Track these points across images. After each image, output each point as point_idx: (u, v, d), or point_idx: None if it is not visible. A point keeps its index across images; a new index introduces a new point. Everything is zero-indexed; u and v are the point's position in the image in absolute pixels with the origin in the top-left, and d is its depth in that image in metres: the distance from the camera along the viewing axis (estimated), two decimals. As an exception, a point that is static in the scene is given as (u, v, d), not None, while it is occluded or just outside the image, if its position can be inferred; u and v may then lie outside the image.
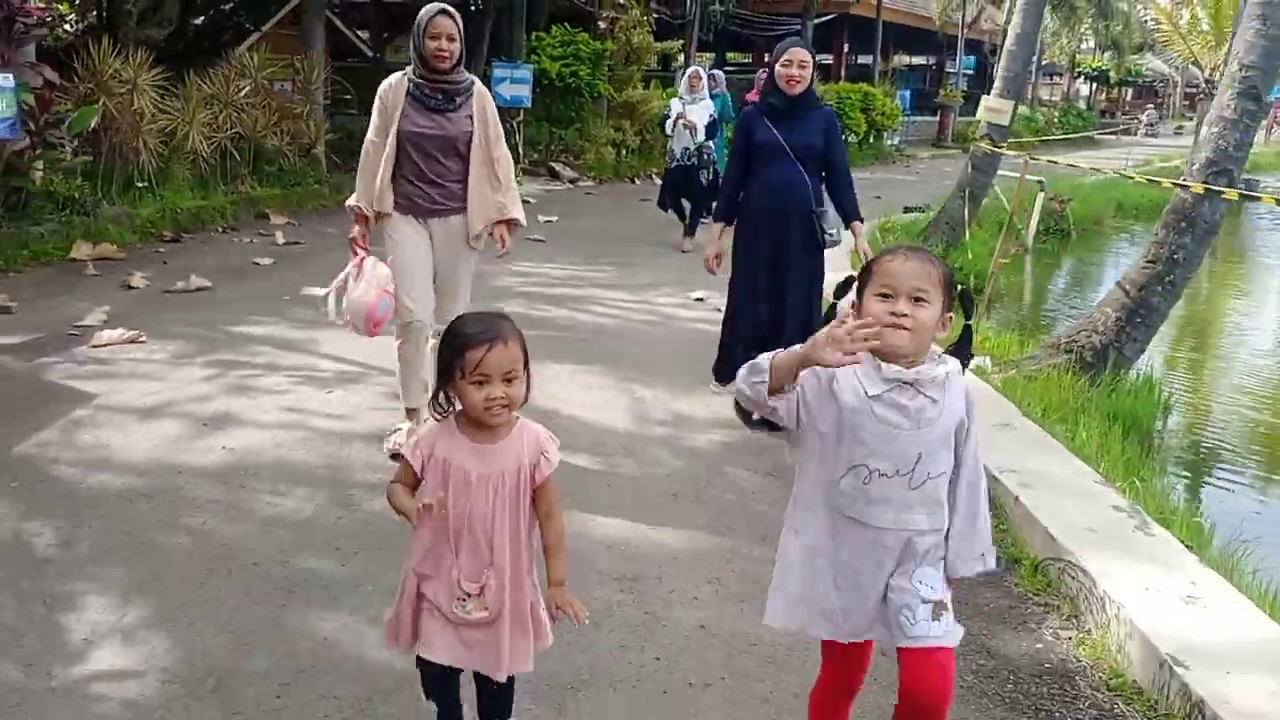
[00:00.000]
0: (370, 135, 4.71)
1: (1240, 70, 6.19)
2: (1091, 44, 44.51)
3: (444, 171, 4.68)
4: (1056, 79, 52.72)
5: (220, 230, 10.92)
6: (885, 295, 2.20)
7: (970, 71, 38.80)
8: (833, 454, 2.27)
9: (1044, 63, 41.62)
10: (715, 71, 11.80)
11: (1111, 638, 3.37)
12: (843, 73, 31.87)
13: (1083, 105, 50.98)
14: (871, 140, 26.86)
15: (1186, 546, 3.85)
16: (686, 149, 10.54)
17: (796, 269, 5.26)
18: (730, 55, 36.54)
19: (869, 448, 2.23)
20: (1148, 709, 3.10)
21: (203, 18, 19.67)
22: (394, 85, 4.67)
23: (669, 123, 10.70)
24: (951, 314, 2.28)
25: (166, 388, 5.60)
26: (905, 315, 2.17)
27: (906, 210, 15.05)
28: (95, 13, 16.10)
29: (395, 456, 4.47)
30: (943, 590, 2.30)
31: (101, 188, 9.97)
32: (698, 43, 24.40)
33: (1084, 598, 3.55)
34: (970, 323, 2.34)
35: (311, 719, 2.87)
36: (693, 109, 10.45)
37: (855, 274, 2.31)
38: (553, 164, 17.82)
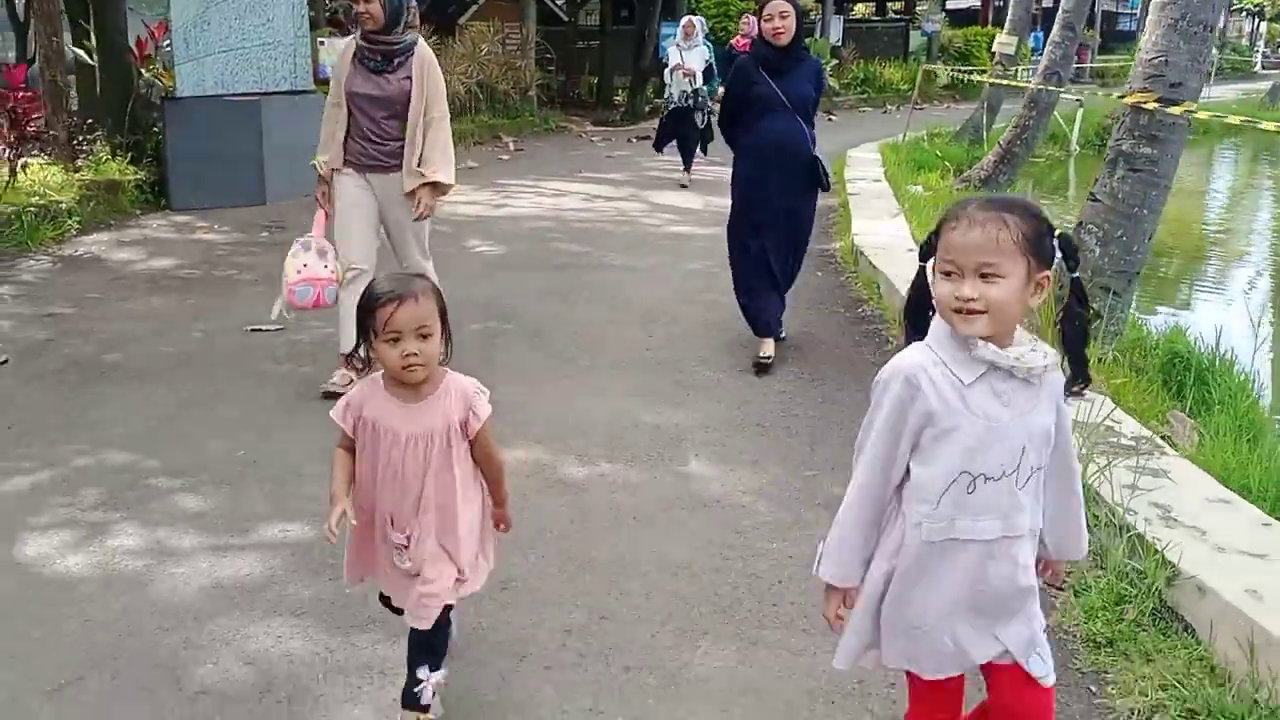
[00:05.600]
0: (329, 98, 5.00)
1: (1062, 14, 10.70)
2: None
3: (383, 131, 4.87)
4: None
5: (473, 144, 16.47)
6: (948, 273, 1.84)
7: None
8: (928, 473, 1.91)
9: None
10: (699, 18, 12.40)
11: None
12: (989, 16, 34.94)
13: (1245, 42, 52.17)
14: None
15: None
16: (684, 92, 11.17)
17: (796, 210, 5.39)
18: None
19: (967, 448, 1.87)
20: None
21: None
22: (343, 50, 4.97)
23: (666, 71, 11.55)
24: (1048, 273, 1.84)
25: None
26: (973, 299, 1.80)
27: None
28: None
29: (328, 395, 4.71)
30: (1042, 617, 2.02)
31: (403, 114, 15.65)
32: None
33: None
34: (1080, 289, 1.93)
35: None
36: (689, 55, 11.22)
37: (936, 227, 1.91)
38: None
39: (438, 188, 4.89)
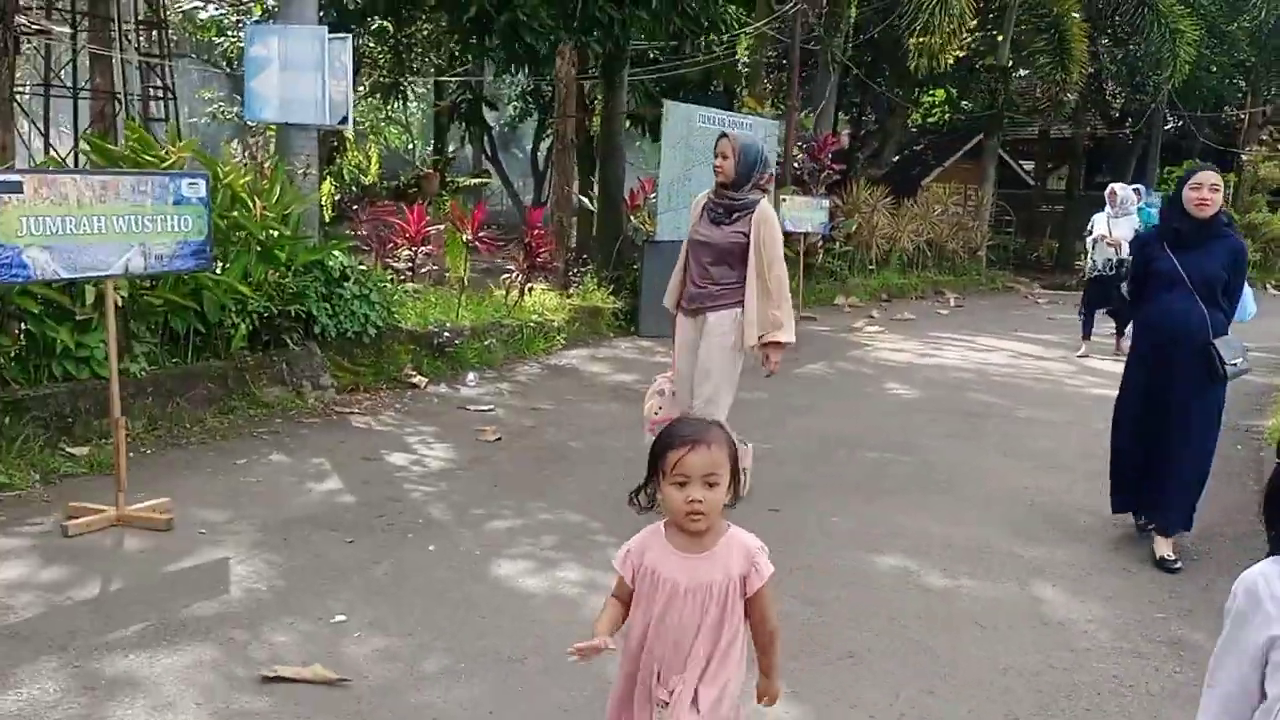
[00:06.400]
0: (684, 246, 5.44)
1: None
2: None
3: (706, 274, 5.22)
4: None
5: (914, 298, 17.19)
6: None
7: None
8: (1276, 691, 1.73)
9: None
10: (1139, 187, 12.50)
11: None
12: None
13: None
14: None
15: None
16: (1108, 260, 10.95)
17: (1184, 404, 4.86)
18: None
19: None
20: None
21: (899, 155, 26.77)
22: (696, 201, 5.41)
23: (1089, 239, 11.47)
24: None
25: (917, 348, 11.67)
26: None
27: None
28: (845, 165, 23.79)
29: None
30: None
31: (851, 267, 16.77)
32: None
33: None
34: None
35: (965, 413, 8.40)
36: (1117, 224, 11.02)
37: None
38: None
39: (780, 346, 5.17)
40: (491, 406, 7.71)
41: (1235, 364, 4.83)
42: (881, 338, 12.46)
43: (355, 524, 4.99)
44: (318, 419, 7.01)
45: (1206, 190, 4.75)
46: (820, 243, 15.74)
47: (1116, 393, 5.29)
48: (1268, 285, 22.21)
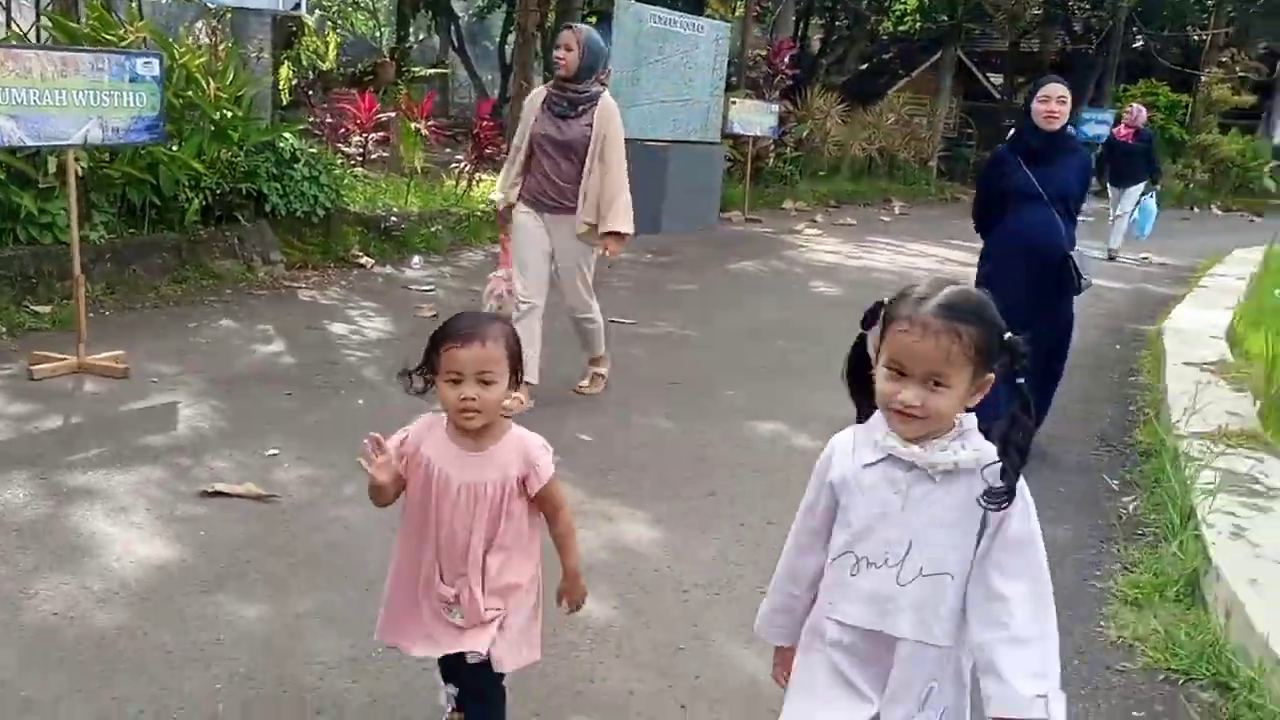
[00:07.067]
0: (514, 141, 5.35)
1: None
2: None
3: (561, 173, 5.14)
4: None
5: (861, 205, 17.71)
6: (896, 373, 1.76)
7: None
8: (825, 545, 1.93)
9: None
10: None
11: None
12: None
13: None
14: None
15: None
16: None
17: (1046, 315, 4.88)
18: None
19: (854, 529, 1.84)
20: None
21: (867, 64, 27.02)
22: (533, 96, 5.31)
23: None
24: (991, 376, 1.76)
25: (837, 247, 12.25)
26: (915, 407, 1.73)
27: None
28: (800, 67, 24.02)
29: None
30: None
31: (801, 171, 17.23)
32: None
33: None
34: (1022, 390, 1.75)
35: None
36: None
37: (886, 301, 1.84)
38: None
39: (620, 237, 5.15)
40: (433, 287, 8.23)
41: (1088, 278, 4.98)
42: (819, 241, 13.02)
43: (294, 380, 5.55)
44: (266, 291, 7.52)
45: (1054, 103, 4.81)
46: (771, 147, 16.17)
47: None
48: (1213, 206, 22.94)
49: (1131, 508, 4.67)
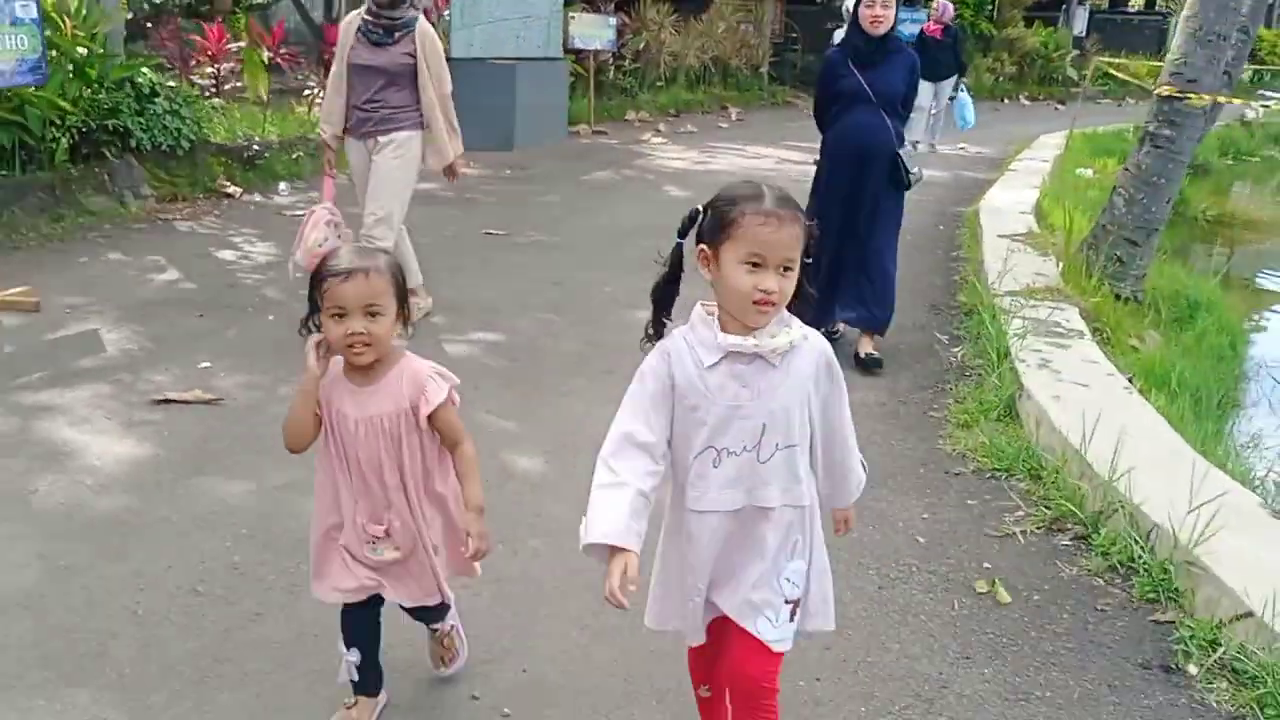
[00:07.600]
0: (333, 70, 5.33)
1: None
2: None
3: (377, 99, 5.19)
4: None
5: (700, 113, 18.37)
6: (754, 265, 1.89)
7: None
8: (681, 445, 2.03)
9: None
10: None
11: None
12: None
13: None
14: None
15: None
16: None
17: (876, 213, 5.30)
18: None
19: (711, 426, 1.98)
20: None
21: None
22: (347, 23, 5.24)
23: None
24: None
25: (679, 157, 12.89)
26: (775, 293, 1.89)
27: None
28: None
29: None
30: (804, 587, 2.11)
31: (640, 83, 17.74)
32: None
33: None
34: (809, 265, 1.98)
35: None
36: None
37: (700, 208, 1.99)
38: (934, 85, 23.81)
39: (460, 159, 5.55)
40: (305, 212, 8.49)
41: (915, 172, 5.31)
42: (664, 149, 13.63)
43: (202, 303, 5.88)
44: (144, 224, 7.68)
45: (879, 7, 5.01)
46: (610, 60, 16.59)
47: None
48: (1020, 96, 24.53)
49: (959, 355, 5.53)
